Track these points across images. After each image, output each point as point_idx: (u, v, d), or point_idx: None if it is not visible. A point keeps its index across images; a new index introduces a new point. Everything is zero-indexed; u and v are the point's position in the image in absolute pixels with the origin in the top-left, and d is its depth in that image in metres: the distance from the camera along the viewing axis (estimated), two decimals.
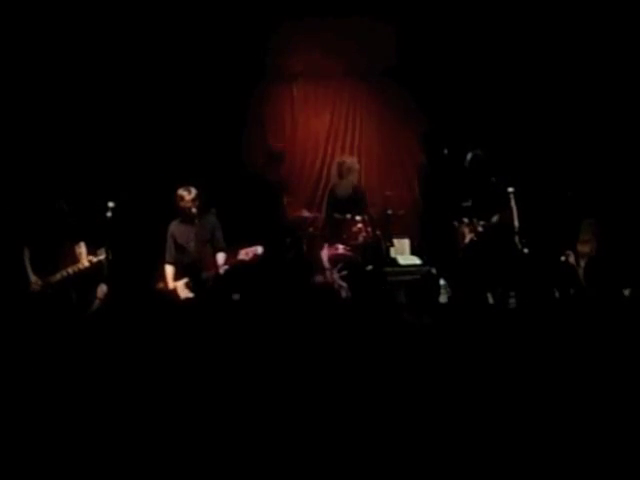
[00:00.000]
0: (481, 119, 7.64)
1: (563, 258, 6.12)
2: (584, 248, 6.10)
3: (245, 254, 5.88)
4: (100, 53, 7.40)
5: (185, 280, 6.05)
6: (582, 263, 5.96)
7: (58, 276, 5.85)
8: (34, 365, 4.15)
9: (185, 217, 6.12)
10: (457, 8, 7.62)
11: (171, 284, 6.10)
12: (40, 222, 5.94)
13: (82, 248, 5.93)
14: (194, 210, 6.06)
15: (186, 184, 6.12)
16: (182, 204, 6.06)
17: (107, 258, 5.77)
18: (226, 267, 5.93)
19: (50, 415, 3.40)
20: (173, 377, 3.95)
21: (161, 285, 6.14)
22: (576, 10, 7.25)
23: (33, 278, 5.87)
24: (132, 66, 7.54)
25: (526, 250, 6.30)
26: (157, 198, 6.77)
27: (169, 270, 6.14)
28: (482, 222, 6.51)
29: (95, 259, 5.82)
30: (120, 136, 7.50)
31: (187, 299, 6.00)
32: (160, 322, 5.77)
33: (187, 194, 6.05)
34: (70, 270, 5.84)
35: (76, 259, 5.90)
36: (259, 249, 5.90)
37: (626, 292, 5.75)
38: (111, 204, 5.92)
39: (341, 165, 7.53)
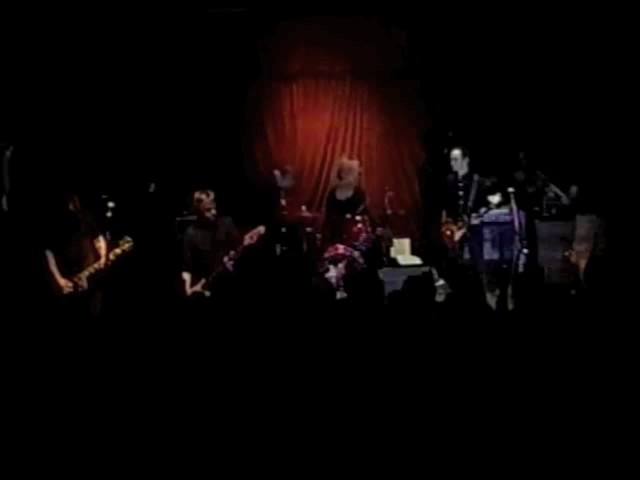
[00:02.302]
0: (483, 119, 7.65)
1: (565, 254, 6.11)
2: (580, 246, 6.06)
3: (250, 238, 5.83)
4: (95, 56, 7.40)
5: (202, 282, 5.94)
6: (582, 263, 5.93)
7: (86, 273, 5.78)
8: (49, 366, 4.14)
9: (203, 221, 6.01)
10: (461, 9, 7.62)
11: (189, 290, 5.98)
12: (56, 223, 5.85)
13: (101, 242, 5.85)
14: (213, 212, 5.97)
15: (203, 188, 6.02)
16: (201, 207, 5.95)
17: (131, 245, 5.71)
18: (232, 262, 5.87)
19: (56, 416, 3.40)
20: (173, 376, 3.95)
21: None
22: (580, 11, 7.25)
23: (62, 282, 5.75)
24: (129, 68, 7.54)
25: (526, 250, 6.30)
26: (155, 199, 6.79)
27: (186, 277, 6.02)
28: (466, 217, 6.53)
29: (119, 250, 5.76)
30: (118, 136, 7.50)
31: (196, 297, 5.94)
32: (163, 321, 5.78)
33: (205, 197, 5.94)
34: (96, 266, 5.77)
35: (98, 255, 5.84)
36: (262, 229, 5.84)
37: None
38: (111, 204, 5.90)
39: (340, 166, 7.56)
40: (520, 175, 6.79)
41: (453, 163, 6.88)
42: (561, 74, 7.47)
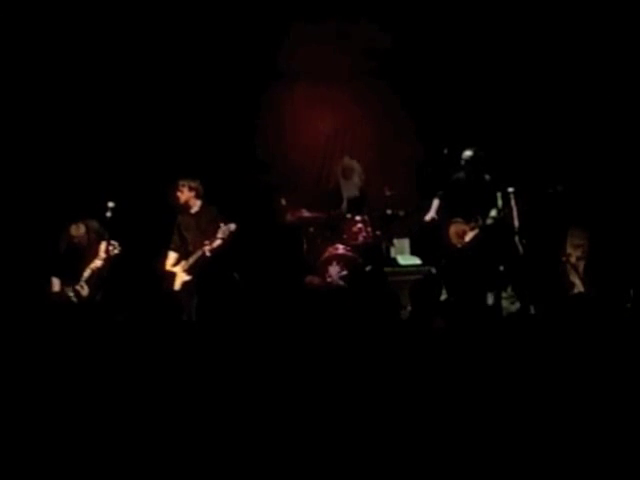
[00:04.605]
0: (480, 118, 7.64)
1: (564, 259, 6.11)
2: (577, 252, 6.11)
3: (222, 233, 6.07)
4: (107, 55, 7.41)
5: (182, 264, 6.32)
6: (580, 265, 5.96)
7: (82, 282, 5.95)
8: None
9: (183, 207, 6.40)
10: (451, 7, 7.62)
11: (169, 268, 6.38)
12: (61, 255, 6.16)
13: (102, 245, 6.03)
14: (184, 200, 6.33)
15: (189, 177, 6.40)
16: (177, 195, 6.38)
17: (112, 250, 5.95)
18: (209, 248, 6.14)
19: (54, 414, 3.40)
20: (169, 372, 3.96)
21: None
22: (566, 7, 7.26)
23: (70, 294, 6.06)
24: (140, 67, 7.54)
25: (524, 250, 6.29)
26: (162, 199, 6.84)
27: (172, 255, 6.43)
28: (480, 218, 6.52)
29: (112, 252, 5.92)
30: (125, 135, 7.51)
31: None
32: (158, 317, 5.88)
33: (179, 186, 6.35)
34: (89, 271, 5.92)
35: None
36: (232, 226, 6.12)
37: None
38: (111, 204, 5.95)
39: (344, 167, 7.61)
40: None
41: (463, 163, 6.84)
42: (543, 74, 7.48)
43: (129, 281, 6.62)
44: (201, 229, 6.31)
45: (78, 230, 6.05)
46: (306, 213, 7.77)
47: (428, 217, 6.90)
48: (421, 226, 7.12)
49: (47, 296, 6.00)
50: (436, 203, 6.96)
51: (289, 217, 7.60)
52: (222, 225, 6.10)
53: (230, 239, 6.16)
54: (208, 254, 6.10)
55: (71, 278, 6.05)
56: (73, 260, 6.06)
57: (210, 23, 7.61)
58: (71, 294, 5.96)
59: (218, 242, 6.09)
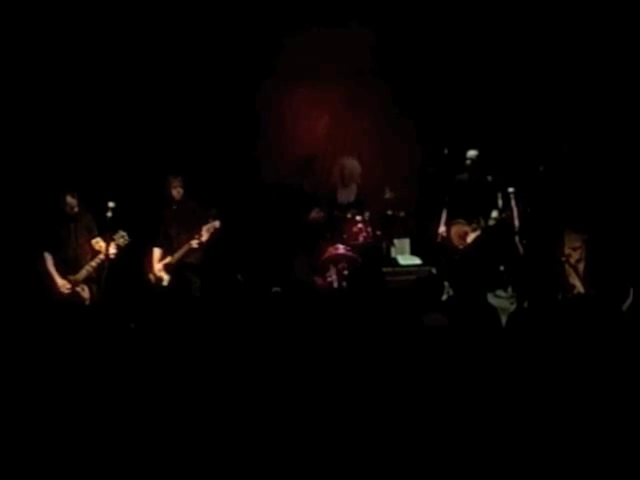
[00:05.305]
0: (479, 118, 7.65)
1: (563, 259, 6.12)
2: (575, 254, 6.12)
3: (207, 231, 6.21)
4: (104, 54, 7.41)
5: (168, 259, 6.39)
6: (580, 267, 5.97)
7: (84, 272, 5.92)
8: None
9: (172, 202, 6.49)
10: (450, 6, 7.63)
11: (156, 266, 6.41)
12: (54, 224, 6.08)
13: (100, 242, 6.00)
14: (182, 195, 6.46)
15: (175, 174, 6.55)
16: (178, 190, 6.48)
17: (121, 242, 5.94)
18: (196, 242, 6.25)
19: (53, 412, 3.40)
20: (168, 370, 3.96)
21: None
22: (566, 5, 7.28)
23: (61, 282, 5.94)
24: (139, 68, 7.55)
25: (524, 250, 6.30)
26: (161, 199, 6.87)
27: (156, 252, 6.46)
28: (482, 220, 6.53)
29: (115, 245, 5.92)
30: (124, 135, 7.52)
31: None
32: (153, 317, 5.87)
33: (179, 181, 6.48)
34: (94, 263, 5.91)
35: (97, 252, 6.00)
36: (216, 224, 6.26)
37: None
38: (111, 204, 5.95)
39: (342, 170, 7.52)
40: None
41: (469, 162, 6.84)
42: (542, 72, 7.49)
43: (129, 281, 6.61)
44: (183, 224, 6.40)
45: (71, 195, 6.03)
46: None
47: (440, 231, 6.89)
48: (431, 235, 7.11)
49: (52, 296, 5.94)
50: (445, 215, 6.94)
51: (314, 214, 7.57)
52: (205, 224, 6.22)
53: (215, 236, 6.26)
54: (195, 246, 6.20)
55: (60, 249, 5.96)
56: (63, 232, 6.01)
57: (210, 23, 7.62)
58: (66, 288, 5.87)
59: (205, 237, 6.18)
